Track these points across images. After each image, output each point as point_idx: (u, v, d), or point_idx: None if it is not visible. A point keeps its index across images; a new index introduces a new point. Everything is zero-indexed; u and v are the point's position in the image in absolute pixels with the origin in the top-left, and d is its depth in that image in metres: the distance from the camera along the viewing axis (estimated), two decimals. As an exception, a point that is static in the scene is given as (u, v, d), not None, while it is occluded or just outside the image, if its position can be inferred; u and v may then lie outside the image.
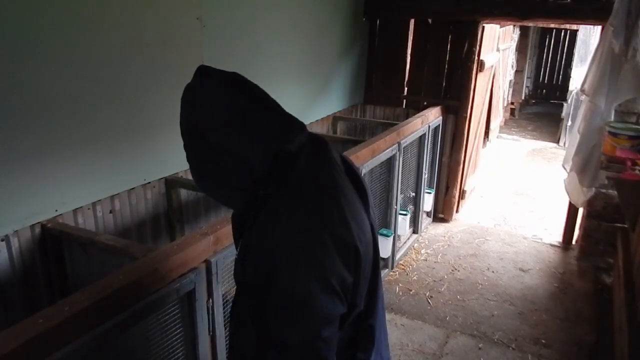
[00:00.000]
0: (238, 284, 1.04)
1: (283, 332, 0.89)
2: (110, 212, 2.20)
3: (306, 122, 3.63)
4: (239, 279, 1.03)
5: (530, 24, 7.17)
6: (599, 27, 3.57)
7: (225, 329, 1.76)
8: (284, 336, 0.89)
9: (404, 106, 4.32)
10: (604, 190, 3.39)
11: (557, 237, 4.08)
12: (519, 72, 8.88)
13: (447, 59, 4.05)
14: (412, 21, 4.12)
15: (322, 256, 0.88)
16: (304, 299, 0.87)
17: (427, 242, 3.95)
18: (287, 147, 0.95)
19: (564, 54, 10.26)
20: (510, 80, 8.39)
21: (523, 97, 9.52)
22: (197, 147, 1.01)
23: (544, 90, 10.67)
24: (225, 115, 0.94)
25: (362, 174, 1.10)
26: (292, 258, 0.88)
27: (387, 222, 3.31)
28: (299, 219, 0.90)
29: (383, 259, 3.31)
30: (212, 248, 1.66)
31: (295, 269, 0.87)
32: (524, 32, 8.76)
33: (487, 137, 6.56)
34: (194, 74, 1.00)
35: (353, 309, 0.96)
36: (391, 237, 3.26)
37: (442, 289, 3.29)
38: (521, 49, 8.80)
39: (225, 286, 1.76)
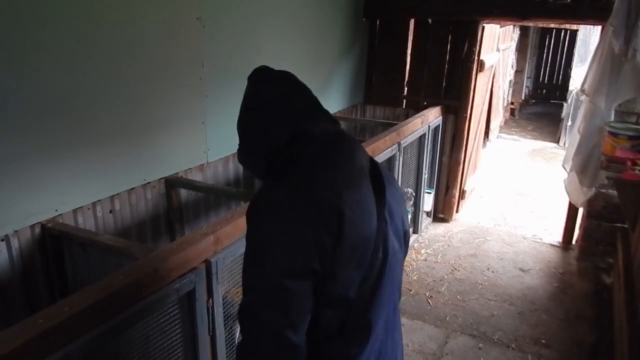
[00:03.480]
0: None
1: (250, 275, 0.98)
2: (110, 212, 2.20)
3: (306, 122, 3.63)
4: None
5: (530, 24, 7.17)
6: (599, 27, 3.57)
7: (225, 329, 1.77)
8: (250, 278, 0.98)
9: (404, 106, 4.32)
10: (604, 190, 3.38)
11: (557, 237, 4.08)
12: (519, 72, 8.88)
13: (447, 59, 4.05)
14: (412, 21, 4.12)
15: (303, 206, 0.97)
16: (267, 246, 0.96)
17: (427, 242, 3.95)
18: (306, 128, 1.06)
19: (564, 54, 10.26)
20: (510, 80, 8.39)
21: (523, 97, 9.52)
22: (244, 116, 1.14)
23: (544, 90, 10.68)
24: (266, 96, 1.10)
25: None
26: (269, 210, 1.00)
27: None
28: (294, 186, 1.01)
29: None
30: (212, 248, 1.66)
31: (270, 218, 0.98)
32: (524, 32, 8.76)
33: (487, 137, 6.56)
34: (266, 67, 1.18)
35: (329, 277, 0.97)
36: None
37: (442, 289, 3.29)
38: (521, 49, 8.80)
39: (225, 286, 1.76)
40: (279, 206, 0.99)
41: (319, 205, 0.97)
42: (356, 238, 0.99)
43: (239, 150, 1.16)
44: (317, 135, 1.06)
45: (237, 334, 2.08)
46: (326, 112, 1.14)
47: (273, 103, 1.09)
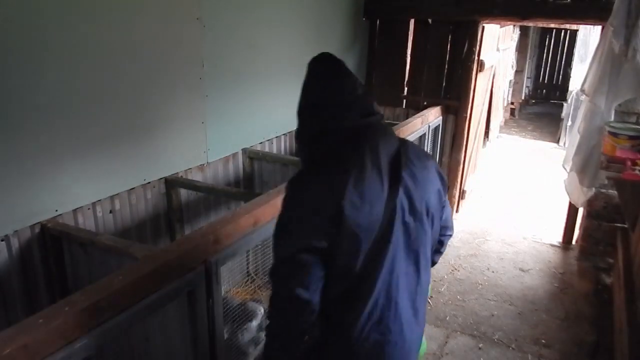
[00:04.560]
0: None
1: (274, 245, 1.24)
2: (110, 212, 2.20)
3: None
4: None
5: (530, 24, 7.16)
6: (599, 27, 3.57)
7: (225, 328, 1.76)
8: (274, 247, 1.24)
9: (404, 106, 4.32)
10: (604, 190, 3.39)
11: (557, 237, 4.08)
12: (519, 72, 8.89)
13: (447, 59, 4.05)
14: (412, 21, 4.12)
15: (313, 198, 1.19)
16: (287, 223, 1.21)
17: (427, 242, 3.94)
18: (333, 123, 1.25)
19: (564, 54, 10.27)
20: (510, 80, 8.39)
21: (523, 97, 9.53)
22: (299, 105, 1.33)
23: (544, 90, 10.68)
24: (309, 92, 1.31)
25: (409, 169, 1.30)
26: (291, 195, 1.23)
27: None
28: (310, 177, 1.25)
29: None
30: (212, 248, 1.66)
31: (291, 202, 1.23)
32: (524, 32, 8.76)
33: (487, 137, 6.56)
34: (322, 56, 1.34)
35: (333, 254, 1.19)
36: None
37: (442, 289, 3.29)
38: (521, 49, 8.80)
39: (225, 286, 1.76)
40: (297, 193, 1.24)
41: (324, 197, 1.18)
42: (356, 225, 1.17)
43: (296, 129, 1.37)
44: (341, 130, 1.25)
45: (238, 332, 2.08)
46: (362, 105, 1.28)
47: (312, 100, 1.30)
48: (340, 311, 1.26)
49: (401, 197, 1.25)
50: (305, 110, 1.31)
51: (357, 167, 1.20)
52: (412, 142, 1.41)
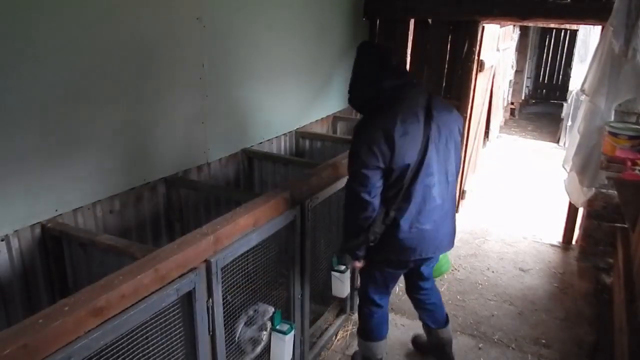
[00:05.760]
0: None
1: (349, 165, 1.97)
2: (110, 212, 2.20)
3: (306, 122, 3.63)
4: None
5: (530, 24, 7.16)
6: (599, 27, 3.57)
7: (225, 328, 1.77)
8: (349, 167, 1.98)
9: (404, 106, 4.30)
10: (604, 190, 3.39)
11: (557, 237, 4.08)
12: (519, 72, 8.88)
13: (447, 59, 4.05)
14: (412, 21, 4.12)
15: (373, 133, 1.89)
16: (356, 150, 1.92)
17: (427, 242, 3.94)
18: (382, 86, 1.96)
19: (564, 54, 10.26)
20: (510, 80, 8.38)
21: (523, 97, 9.52)
22: (353, 77, 2.06)
23: (544, 90, 10.68)
24: (359, 66, 2.05)
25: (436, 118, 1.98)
26: (358, 132, 1.96)
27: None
28: (370, 120, 1.96)
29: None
30: (212, 248, 1.66)
31: (358, 137, 1.94)
32: (524, 32, 8.76)
33: (487, 137, 6.56)
34: (366, 44, 2.14)
35: (391, 169, 1.90)
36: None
37: (442, 289, 3.29)
38: (521, 49, 8.80)
39: (225, 286, 1.76)
40: (363, 130, 1.93)
41: (381, 131, 1.86)
42: (403, 149, 1.86)
43: (349, 97, 2.09)
44: (387, 89, 1.95)
45: (238, 332, 2.09)
46: (398, 71, 2.01)
47: (366, 71, 2.00)
48: (395, 209, 1.94)
49: (433, 130, 1.92)
50: (361, 79, 2.02)
51: (402, 111, 1.88)
52: (437, 96, 2.09)
